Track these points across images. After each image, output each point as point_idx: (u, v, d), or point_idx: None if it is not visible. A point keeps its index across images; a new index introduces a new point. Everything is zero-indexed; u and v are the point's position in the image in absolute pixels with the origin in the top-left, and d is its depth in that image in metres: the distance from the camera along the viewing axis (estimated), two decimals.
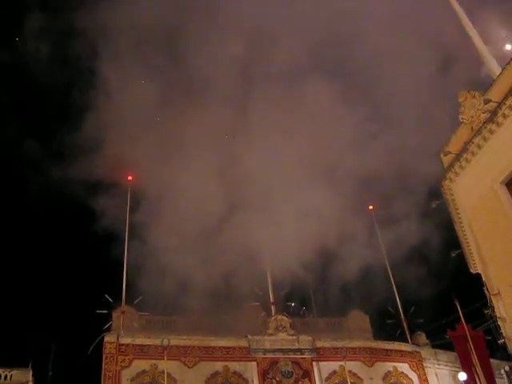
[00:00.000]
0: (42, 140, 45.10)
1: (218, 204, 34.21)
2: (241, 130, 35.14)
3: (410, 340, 31.08)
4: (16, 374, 24.71)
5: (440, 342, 29.20)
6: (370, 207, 36.03)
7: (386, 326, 32.12)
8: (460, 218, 24.82)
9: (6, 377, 24.47)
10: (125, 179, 33.06)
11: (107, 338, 25.36)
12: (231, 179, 33.87)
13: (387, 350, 29.54)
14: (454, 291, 23.36)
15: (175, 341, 25.44)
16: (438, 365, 30.04)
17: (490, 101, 22.32)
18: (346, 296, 31.54)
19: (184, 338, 26.32)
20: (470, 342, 22.08)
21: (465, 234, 24.62)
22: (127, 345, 25.53)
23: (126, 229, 30.23)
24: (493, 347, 23.31)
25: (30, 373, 24.95)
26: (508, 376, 19.83)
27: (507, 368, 20.06)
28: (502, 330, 21.51)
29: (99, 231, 35.95)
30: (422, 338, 31.47)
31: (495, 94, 22.32)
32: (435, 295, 35.07)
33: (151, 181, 34.57)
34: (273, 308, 30.34)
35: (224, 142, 35.75)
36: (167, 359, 22.10)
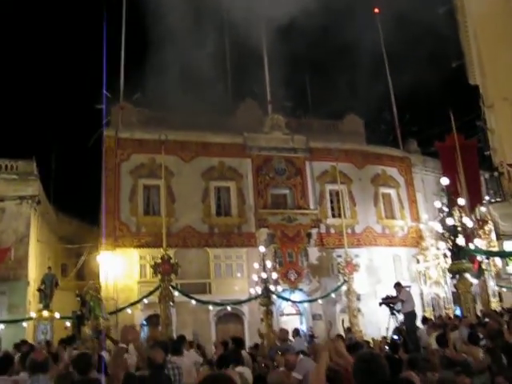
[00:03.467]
0: None
1: None
2: None
3: (401, 146, 31.94)
4: (21, 164, 25.82)
5: (430, 151, 30.02)
6: (376, 10, 34.53)
7: (380, 132, 32.78)
8: (466, 26, 24.04)
9: (12, 167, 25.58)
10: None
11: (106, 133, 25.99)
12: None
13: (378, 154, 30.57)
14: (450, 103, 23.43)
15: (173, 136, 25.97)
16: (426, 171, 31.28)
17: None
18: (342, 99, 31.50)
19: (181, 133, 26.88)
20: (458, 151, 22.72)
21: (469, 44, 24.04)
22: (126, 139, 26.26)
23: (123, 21, 29.24)
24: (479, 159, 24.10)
25: (34, 164, 25.99)
26: (487, 183, 20.84)
27: (487, 176, 20.99)
28: (490, 142, 22.08)
29: (98, 21, 34.62)
30: (414, 145, 32.29)
31: None
32: (431, 106, 35.13)
33: None
34: (269, 107, 30.59)
35: None
36: (165, 153, 22.70)
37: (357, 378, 3.80)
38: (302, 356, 6.82)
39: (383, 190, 30.26)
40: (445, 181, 15.42)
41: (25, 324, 22.58)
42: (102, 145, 25.94)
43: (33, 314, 22.43)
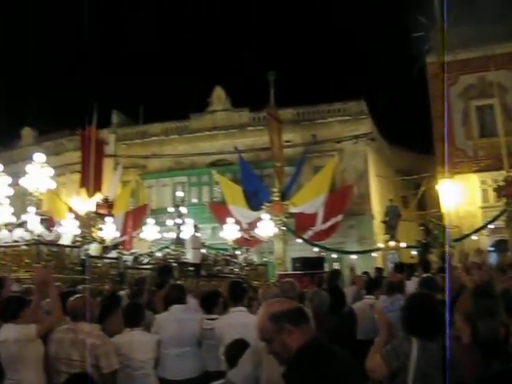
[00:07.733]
0: None
1: None
2: None
3: None
4: (352, 105, 27.90)
5: None
6: None
7: None
8: None
9: (344, 109, 27.60)
10: None
11: (428, 60, 25.29)
12: None
13: None
14: None
15: (501, 49, 24.09)
16: None
17: None
18: None
19: (509, 44, 24.57)
20: None
21: None
22: (450, 62, 25.09)
23: None
24: None
25: (364, 103, 27.44)
26: None
27: None
28: None
29: None
30: None
31: None
32: None
33: None
34: None
35: None
36: (494, 69, 21.35)
37: None
38: None
39: None
40: None
41: (374, 254, 24.05)
42: (425, 74, 25.43)
43: (380, 245, 23.72)
